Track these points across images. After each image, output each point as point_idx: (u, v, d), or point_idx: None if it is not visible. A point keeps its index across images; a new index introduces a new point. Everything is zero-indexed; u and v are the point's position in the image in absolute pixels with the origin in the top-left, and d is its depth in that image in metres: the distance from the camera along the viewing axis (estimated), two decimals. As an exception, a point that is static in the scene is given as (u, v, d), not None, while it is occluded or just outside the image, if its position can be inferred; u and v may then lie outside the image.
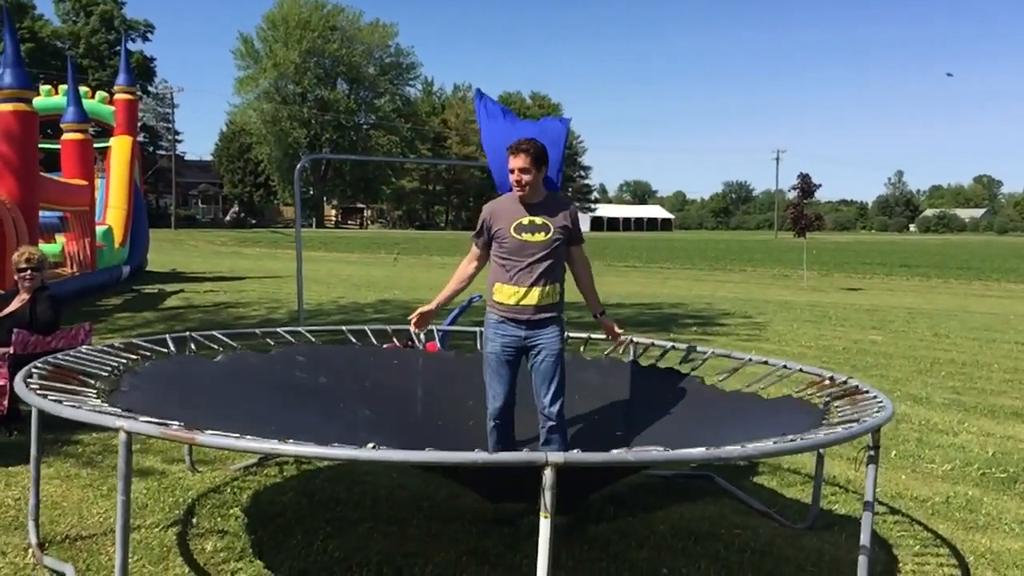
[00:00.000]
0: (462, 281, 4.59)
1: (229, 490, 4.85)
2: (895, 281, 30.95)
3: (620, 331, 4.79)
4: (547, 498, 2.61)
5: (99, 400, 3.38)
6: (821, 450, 4.65)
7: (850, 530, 4.49)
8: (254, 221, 74.37)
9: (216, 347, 5.04)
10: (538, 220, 4.36)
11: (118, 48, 64.51)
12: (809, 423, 3.84)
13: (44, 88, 20.58)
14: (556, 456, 2.59)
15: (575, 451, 2.74)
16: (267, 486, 4.96)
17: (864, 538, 3.36)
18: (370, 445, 2.65)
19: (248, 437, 2.67)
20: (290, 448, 2.58)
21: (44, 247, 15.35)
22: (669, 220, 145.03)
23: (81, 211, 15.84)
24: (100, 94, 21.48)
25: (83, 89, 21.05)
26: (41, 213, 15.32)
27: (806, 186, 24.48)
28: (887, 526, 4.65)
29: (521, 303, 4.35)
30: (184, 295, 16.37)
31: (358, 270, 28.31)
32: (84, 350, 4.43)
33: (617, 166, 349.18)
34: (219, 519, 4.39)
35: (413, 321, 4.60)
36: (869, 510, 3.35)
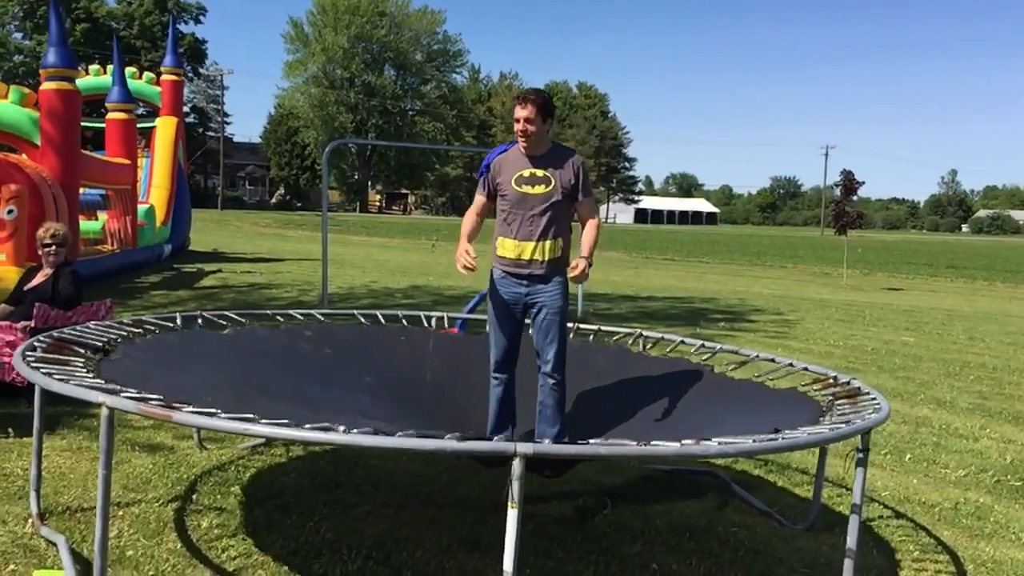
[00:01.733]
0: (467, 234, 4.48)
1: (233, 468, 4.92)
2: (938, 282, 30.40)
3: (579, 271, 4.24)
4: (514, 489, 2.61)
5: (87, 371, 3.44)
6: (825, 448, 4.57)
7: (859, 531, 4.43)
8: (299, 204, 75.07)
9: (225, 324, 5.11)
10: (539, 172, 4.32)
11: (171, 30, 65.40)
12: (809, 418, 3.79)
13: (93, 68, 20.93)
14: (525, 447, 2.59)
15: (545, 441, 2.73)
16: (271, 466, 5.02)
17: (850, 541, 3.33)
18: (340, 428, 2.66)
19: (223, 416, 2.70)
20: (262, 429, 2.61)
21: (85, 224, 15.67)
22: (714, 214, 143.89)
23: (123, 189, 16.10)
24: (147, 75, 21.77)
25: (130, 70, 21.38)
26: (83, 191, 15.67)
27: (849, 183, 24.12)
28: (889, 531, 4.58)
29: (521, 257, 4.33)
30: (221, 275, 16.57)
31: (396, 255, 28.44)
32: (92, 325, 4.51)
33: (663, 158, 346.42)
34: (219, 496, 4.45)
35: (466, 265, 4.28)
36: (856, 513, 3.31)
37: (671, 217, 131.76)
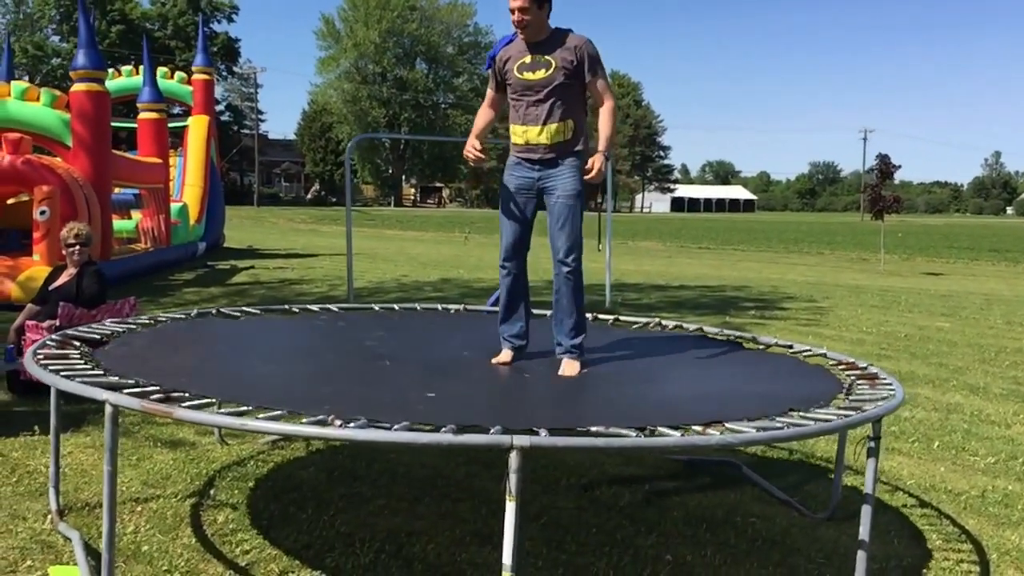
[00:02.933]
0: (477, 129, 4.51)
1: (253, 463, 4.95)
2: (980, 266, 29.85)
3: (595, 169, 4.17)
4: (512, 482, 2.58)
5: (89, 365, 3.47)
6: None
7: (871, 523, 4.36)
8: (334, 199, 75.53)
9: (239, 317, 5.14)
10: (541, 58, 4.27)
11: (204, 30, 66.10)
12: (827, 396, 3.70)
13: (126, 69, 21.21)
14: (522, 439, 2.57)
15: (543, 432, 2.70)
16: (290, 460, 5.04)
17: (863, 532, 3.26)
18: (331, 418, 2.67)
19: (220, 412, 2.72)
20: (254, 424, 2.62)
21: (119, 223, 15.91)
22: (752, 201, 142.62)
23: (156, 188, 16.30)
24: (179, 74, 22.02)
25: (162, 70, 21.66)
26: (118, 190, 15.89)
27: (885, 167, 23.74)
28: (912, 519, 4.50)
29: (530, 142, 4.31)
30: (253, 271, 16.73)
31: (428, 248, 28.54)
32: (108, 322, 4.56)
33: (699, 146, 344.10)
34: (236, 492, 4.48)
35: (474, 158, 4.40)
36: (869, 503, 3.23)
37: (708, 205, 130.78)
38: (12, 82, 12.94)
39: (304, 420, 2.70)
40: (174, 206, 17.84)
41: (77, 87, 12.40)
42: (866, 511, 3.23)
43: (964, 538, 4.27)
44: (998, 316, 12.72)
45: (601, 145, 4.25)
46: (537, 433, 2.71)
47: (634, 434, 2.72)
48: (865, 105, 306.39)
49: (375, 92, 77.20)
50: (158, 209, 16.45)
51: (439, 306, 5.86)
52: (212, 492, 4.47)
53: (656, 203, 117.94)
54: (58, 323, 5.92)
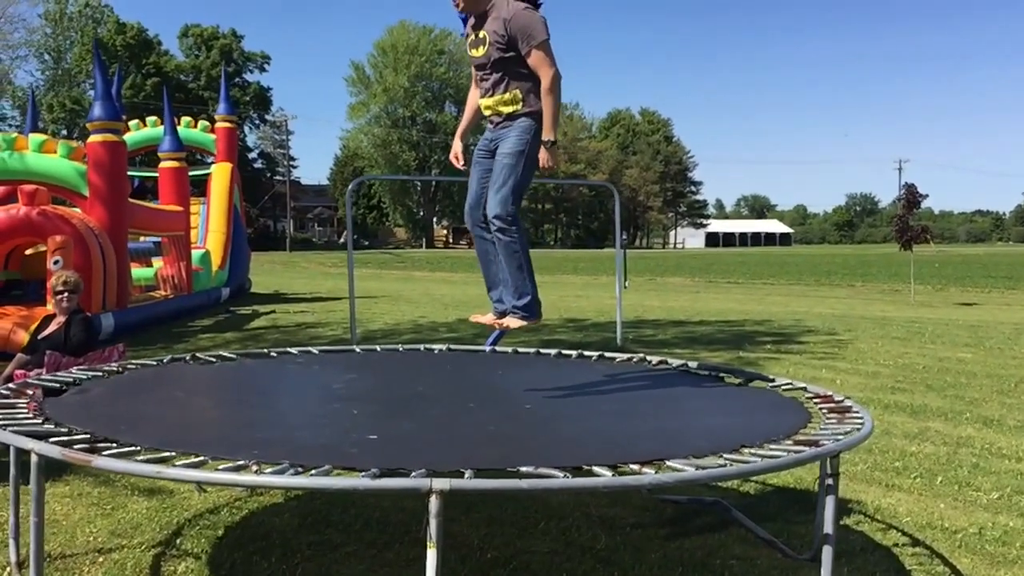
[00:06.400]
0: (470, 108, 4.66)
1: (227, 511, 4.87)
2: (1016, 295, 29.22)
3: (543, 162, 4.23)
4: (432, 527, 2.48)
5: (28, 411, 3.43)
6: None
7: (858, 563, 4.18)
8: (367, 243, 76.21)
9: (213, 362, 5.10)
10: (479, 34, 4.28)
11: (237, 80, 67.53)
12: (791, 430, 3.56)
13: (150, 119, 21.58)
14: (441, 483, 2.47)
15: (468, 474, 2.60)
16: (266, 507, 4.96)
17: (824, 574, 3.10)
18: (252, 463, 2.59)
19: (139, 459, 2.65)
20: (171, 471, 2.54)
21: (138, 271, 16.07)
22: (788, 235, 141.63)
23: (176, 236, 16.47)
24: (202, 123, 22.37)
25: (186, 119, 22.03)
26: (141, 238, 16.09)
27: (911, 196, 23.39)
28: (903, 559, 4.31)
29: (487, 110, 4.39)
30: (273, 316, 16.77)
31: (454, 290, 28.54)
32: (73, 370, 4.54)
33: (734, 181, 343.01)
34: (203, 541, 4.40)
35: (458, 163, 4.65)
36: (829, 543, 3.08)
37: (743, 240, 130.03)
38: (31, 135, 13.18)
39: (220, 467, 2.63)
40: (196, 252, 18.00)
41: (93, 138, 12.61)
42: (826, 553, 3.08)
43: (954, 578, 4.07)
44: (1024, 345, 12.38)
45: (544, 133, 4.21)
46: (462, 475, 2.61)
47: (562, 475, 2.60)
48: (901, 135, 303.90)
49: (405, 135, 78.16)
50: (179, 256, 16.60)
51: (421, 347, 5.78)
52: (179, 542, 4.40)
53: (689, 238, 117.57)
54: (44, 371, 5.93)
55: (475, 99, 4.61)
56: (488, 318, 4.53)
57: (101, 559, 4.13)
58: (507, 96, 4.26)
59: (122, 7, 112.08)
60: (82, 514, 4.75)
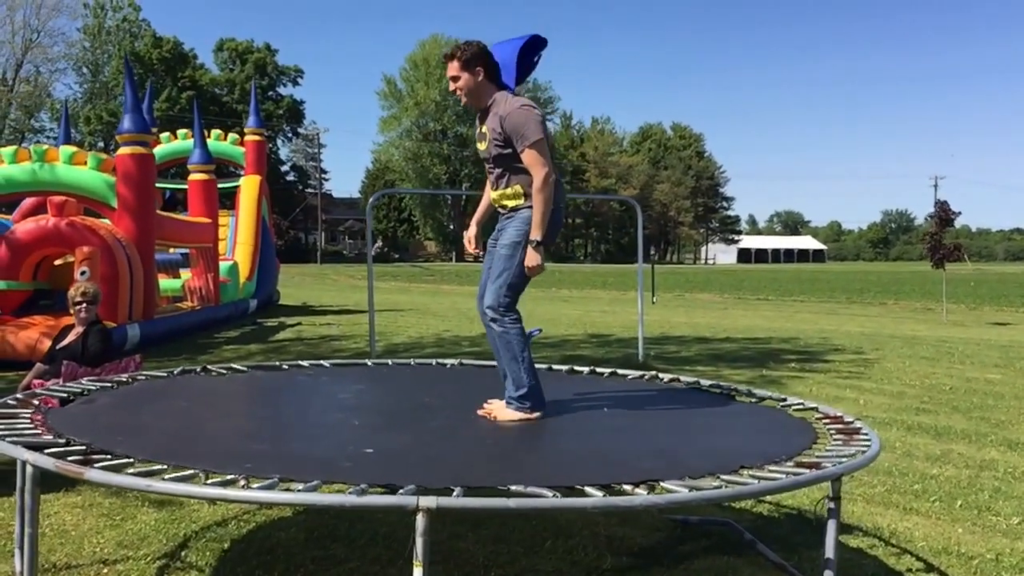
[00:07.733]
0: (485, 198, 4.65)
1: (234, 524, 4.87)
2: (1052, 314, 28.73)
3: (528, 267, 4.18)
4: (419, 545, 2.46)
5: (31, 422, 3.45)
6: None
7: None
8: (397, 256, 76.58)
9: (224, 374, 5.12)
10: (483, 128, 4.27)
11: (271, 93, 68.31)
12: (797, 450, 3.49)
13: (181, 132, 21.86)
14: (428, 501, 2.45)
15: (457, 492, 2.58)
16: (273, 520, 4.95)
17: (824, 602, 3.03)
18: (241, 478, 2.58)
19: (129, 472, 2.65)
20: (160, 485, 2.54)
21: (166, 282, 16.23)
22: (821, 251, 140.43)
23: (204, 248, 16.63)
24: (231, 135, 22.62)
25: (216, 132, 22.29)
26: (171, 250, 16.26)
27: (944, 214, 23.10)
28: (915, 586, 4.21)
29: (495, 203, 4.39)
30: (299, 328, 16.86)
31: (481, 303, 28.49)
32: (84, 380, 4.57)
33: (767, 197, 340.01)
34: (208, 554, 4.40)
35: (471, 247, 4.65)
36: (831, 568, 3.01)
37: (775, 256, 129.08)
38: (62, 147, 13.38)
39: (209, 481, 2.62)
40: (224, 264, 18.16)
41: (123, 150, 12.78)
42: (827, 579, 3.00)
43: (967, 607, 3.97)
44: (1057, 366, 12.14)
45: (532, 232, 4.14)
46: (451, 492, 2.58)
47: (551, 494, 2.57)
48: (937, 151, 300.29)
49: (436, 149, 78.52)
50: (207, 268, 16.75)
51: (434, 361, 5.76)
52: (184, 554, 4.40)
53: (721, 254, 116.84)
54: (61, 382, 5.98)
55: (489, 189, 4.58)
56: (494, 405, 4.34)
57: (106, 570, 4.14)
58: (509, 191, 4.24)
59: (159, 21, 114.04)
60: (91, 524, 4.78)
